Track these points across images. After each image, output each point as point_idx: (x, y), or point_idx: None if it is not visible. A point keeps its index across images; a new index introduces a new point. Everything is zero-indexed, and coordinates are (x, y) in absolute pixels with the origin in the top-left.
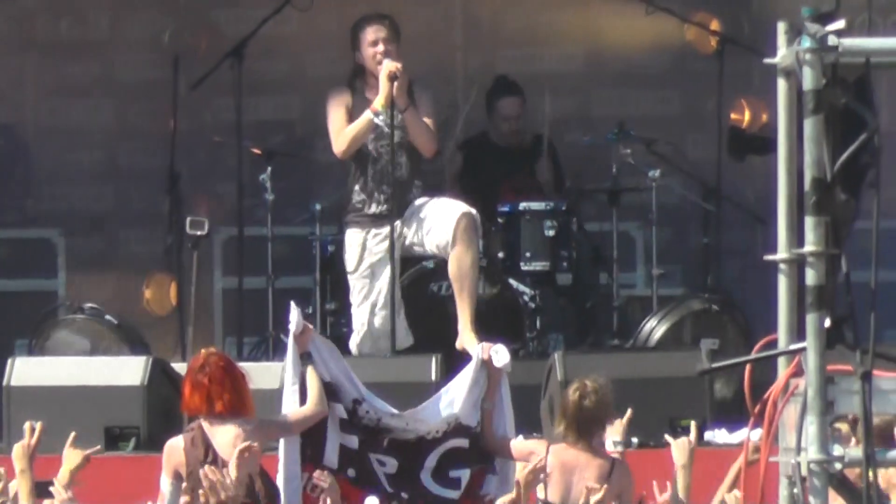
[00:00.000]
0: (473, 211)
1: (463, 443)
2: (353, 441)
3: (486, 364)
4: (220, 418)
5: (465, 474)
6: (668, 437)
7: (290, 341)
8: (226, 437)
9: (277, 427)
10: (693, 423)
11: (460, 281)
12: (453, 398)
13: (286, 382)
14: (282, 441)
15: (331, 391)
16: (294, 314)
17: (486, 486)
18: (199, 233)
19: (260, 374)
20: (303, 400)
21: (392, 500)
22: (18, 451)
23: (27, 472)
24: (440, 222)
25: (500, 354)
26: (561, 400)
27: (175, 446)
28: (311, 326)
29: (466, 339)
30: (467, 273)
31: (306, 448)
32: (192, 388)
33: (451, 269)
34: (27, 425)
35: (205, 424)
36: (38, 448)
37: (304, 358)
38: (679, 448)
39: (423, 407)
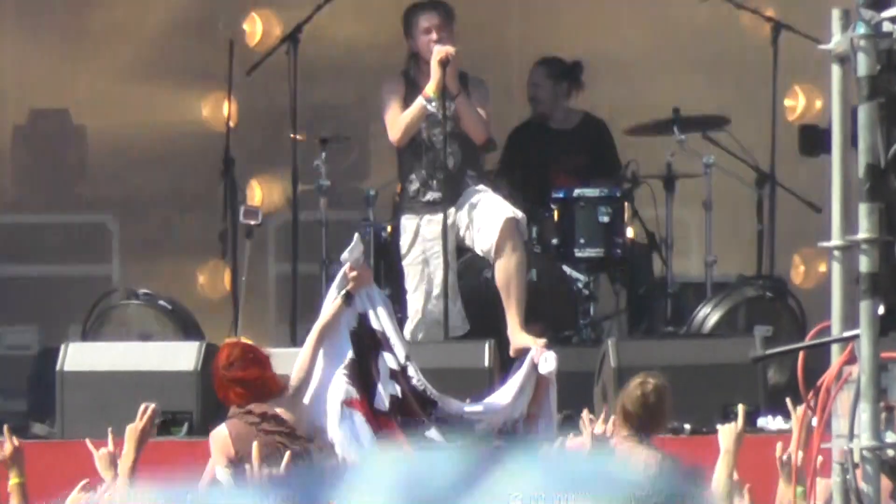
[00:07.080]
0: (518, 214)
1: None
2: (399, 390)
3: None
4: (264, 400)
5: None
6: (718, 425)
7: (342, 272)
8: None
9: (303, 385)
10: (741, 408)
11: (507, 288)
12: (507, 399)
13: (328, 299)
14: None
15: (381, 341)
16: (356, 249)
17: None
18: (252, 222)
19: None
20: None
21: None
22: (128, 433)
23: (132, 453)
24: (486, 226)
25: (548, 361)
26: (620, 394)
27: (222, 435)
28: (369, 270)
29: (520, 339)
30: (513, 278)
31: (354, 384)
32: (229, 384)
33: (498, 277)
34: (142, 407)
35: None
36: (149, 429)
37: (346, 299)
38: (725, 433)
39: (476, 402)
